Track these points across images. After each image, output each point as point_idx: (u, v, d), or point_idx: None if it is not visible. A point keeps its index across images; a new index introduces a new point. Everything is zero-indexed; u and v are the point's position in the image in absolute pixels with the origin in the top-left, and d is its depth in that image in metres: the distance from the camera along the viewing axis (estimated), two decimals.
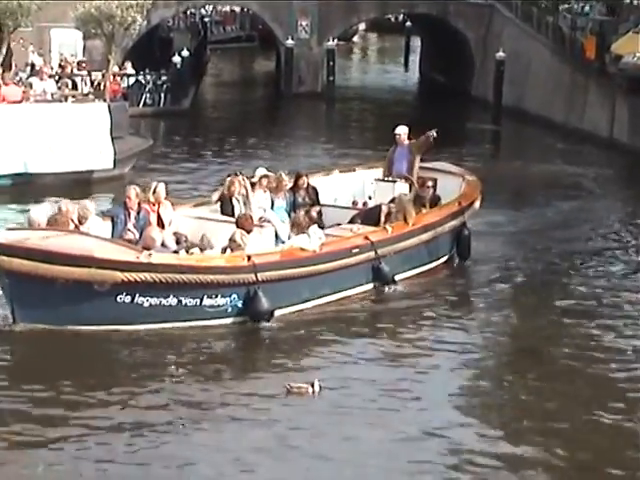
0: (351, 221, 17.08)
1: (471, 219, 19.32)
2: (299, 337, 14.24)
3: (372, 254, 15.91)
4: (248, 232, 14.78)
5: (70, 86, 28.49)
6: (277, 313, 14.43)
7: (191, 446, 10.59)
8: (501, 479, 10.10)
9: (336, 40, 43.75)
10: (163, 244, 15.08)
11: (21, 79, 27.17)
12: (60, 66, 31.81)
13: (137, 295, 13.57)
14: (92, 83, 29.66)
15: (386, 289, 16.21)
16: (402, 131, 18.39)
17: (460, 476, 10.34)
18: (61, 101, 25.66)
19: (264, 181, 17.04)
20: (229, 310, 14.32)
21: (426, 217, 17.35)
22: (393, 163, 18.46)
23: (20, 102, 24.05)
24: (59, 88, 27.33)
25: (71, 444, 10.43)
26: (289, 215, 16.83)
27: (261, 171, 17.26)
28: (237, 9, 51.94)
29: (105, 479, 9.84)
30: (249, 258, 14.22)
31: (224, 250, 14.65)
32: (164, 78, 36.42)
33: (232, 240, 14.55)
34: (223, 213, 16.35)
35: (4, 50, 28.35)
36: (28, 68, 30.38)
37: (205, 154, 30.00)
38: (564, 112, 35.31)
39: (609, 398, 12.20)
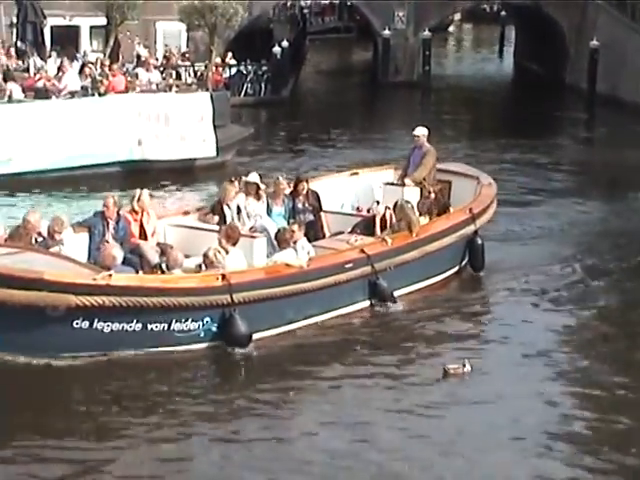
0: (353, 229, 16.28)
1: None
2: (279, 364, 13.00)
3: (368, 269, 14.68)
4: (234, 244, 13.93)
5: (174, 76, 29.50)
6: (257, 336, 13.28)
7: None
8: None
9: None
10: (127, 261, 13.97)
11: (127, 70, 27.69)
12: (165, 57, 32.60)
13: (96, 320, 12.39)
14: (195, 74, 30.50)
15: (384, 307, 14.92)
16: (421, 132, 17.66)
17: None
18: (165, 91, 26.27)
19: (257, 188, 16.22)
20: (202, 335, 13.15)
21: (432, 226, 16.30)
22: (410, 166, 17.71)
23: (126, 91, 24.77)
24: (164, 78, 27.99)
25: None
26: (288, 222, 15.97)
27: (253, 177, 16.43)
28: (336, 1, 52.80)
29: None
30: (224, 277, 13.10)
31: (199, 267, 13.74)
32: (264, 68, 37.39)
33: (205, 256, 13.59)
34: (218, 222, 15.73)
35: (112, 42, 29.34)
36: (135, 59, 30.99)
37: (304, 142, 30.58)
38: None
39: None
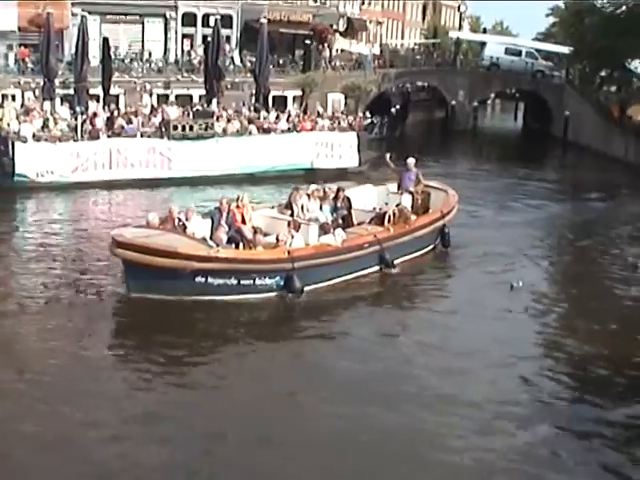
0: (370, 221, 19.93)
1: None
2: (323, 306, 16.96)
3: (378, 247, 18.78)
4: (297, 230, 17.60)
5: (337, 123, 36.32)
6: (309, 288, 17.11)
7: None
8: None
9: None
10: (230, 240, 17.68)
11: (313, 119, 35.91)
12: (332, 113, 39.93)
13: (209, 277, 15.96)
14: (348, 122, 36.84)
15: (387, 270, 19.20)
16: (411, 161, 22.16)
17: None
18: (332, 130, 34.91)
19: (315, 193, 19.98)
20: (274, 287, 16.85)
21: (418, 221, 20.40)
22: (403, 181, 21.84)
23: (311, 130, 34.24)
24: (332, 124, 35.81)
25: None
26: (332, 214, 19.77)
27: (313, 186, 20.46)
28: (425, 84, 61.77)
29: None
30: (289, 252, 16.81)
31: (274, 244, 17.33)
32: (385, 120, 47.58)
33: (277, 239, 17.38)
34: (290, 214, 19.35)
35: (304, 104, 39.99)
36: (316, 114, 37.71)
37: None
38: (601, 143, 48.60)
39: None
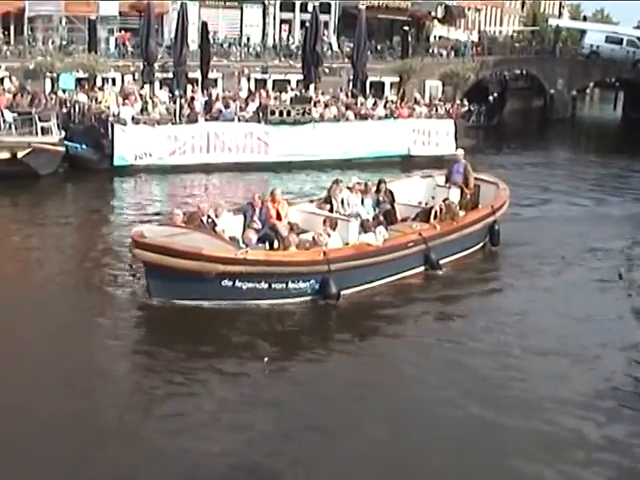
0: (416, 216, 18.96)
1: None
2: (362, 310, 15.59)
3: (423, 246, 17.45)
4: (334, 229, 16.30)
5: (434, 110, 37.11)
6: (346, 292, 15.76)
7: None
8: None
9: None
10: (264, 238, 16.52)
11: (410, 106, 36.57)
12: (430, 100, 40.60)
13: (237, 281, 14.72)
14: (446, 109, 37.81)
15: (433, 271, 17.78)
16: (460, 152, 21.43)
17: None
18: (429, 117, 35.52)
19: (357, 186, 19.03)
20: (308, 291, 15.54)
21: (467, 217, 19.18)
22: (452, 174, 20.71)
23: (409, 117, 34.81)
24: (429, 111, 36.43)
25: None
26: (374, 209, 18.78)
27: (354, 179, 19.71)
28: (524, 72, 61.20)
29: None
30: (324, 253, 15.46)
31: (311, 243, 16.12)
32: (483, 108, 48.03)
33: (313, 239, 16.12)
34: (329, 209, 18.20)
35: (401, 91, 40.01)
36: (413, 101, 38.65)
37: (502, 147, 41.46)
38: None
39: None
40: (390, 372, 13.12)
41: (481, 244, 19.87)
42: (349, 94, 36.37)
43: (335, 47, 47.90)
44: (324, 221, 16.41)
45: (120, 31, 44.05)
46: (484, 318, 15.64)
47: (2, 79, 35.68)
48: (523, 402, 12.16)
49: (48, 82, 35.87)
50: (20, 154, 26.47)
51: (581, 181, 32.18)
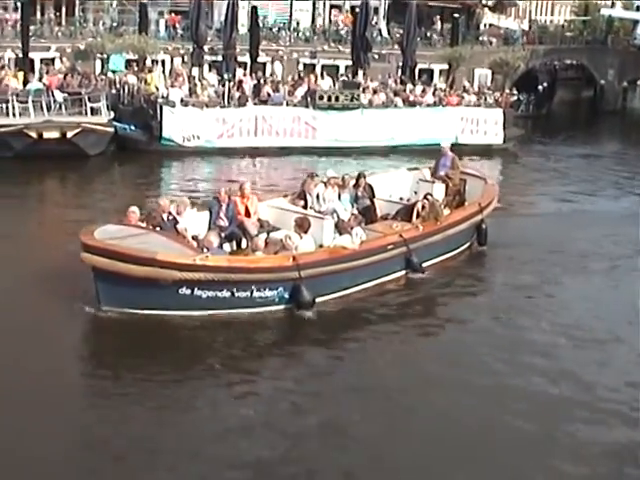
0: (397, 214, 17.81)
1: None
2: (337, 320, 14.28)
3: (404, 249, 16.21)
4: (305, 231, 14.98)
5: (483, 99, 36.24)
6: (320, 300, 14.42)
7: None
8: None
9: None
10: (231, 236, 15.53)
11: (459, 94, 35.83)
12: (479, 88, 39.74)
13: (195, 289, 13.45)
14: (495, 98, 36.66)
15: (415, 275, 16.43)
16: (445, 145, 20.30)
17: None
18: (478, 106, 35.04)
19: (333, 180, 17.76)
20: (276, 300, 14.26)
21: (452, 216, 17.99)
22: (438, 167, 19.76)
23: (457, 105, 34.36)
24: (478, 99, 35.92)
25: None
26: (352, 205, 17.78)
27: (330, 173, 18.54)
28: (574, 62, 59.39)
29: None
30: (294, 258, 14.18)
31: (282, 242, 14.79)
32: (532, 97, 47.65)
33: (281, 242, 14.82)
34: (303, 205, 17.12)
35: (450, 79, 39.41)
36: (462, 88, 37.78)
37: (552, 137, 41.13)
38: None
39: None
40: (366, 391, 11.91)
41: (467, 244, 18.91)
42: (398, 81, 36.42)
43: (385, 33, 47.61)
44: (295, 222, 15.24)
45: (170, 13, 44.38)
46: (471, 326, 14.56)
47: (53, 60, 36.25)
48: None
49: (98, 63, 36.35)
50: (70, 134, 26.95)
51: (625, 178, 31.15)
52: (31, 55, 33.99)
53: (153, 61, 36.26)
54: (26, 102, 27.40)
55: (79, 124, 27.30)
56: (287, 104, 31.41)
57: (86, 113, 28.09)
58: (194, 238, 14.79)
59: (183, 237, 14.50)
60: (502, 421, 11.16)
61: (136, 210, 14.52)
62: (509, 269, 17.84)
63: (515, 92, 42.43)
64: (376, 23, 46.41)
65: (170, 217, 14.80)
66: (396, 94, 33.84)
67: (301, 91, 32.61)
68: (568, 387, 12.33)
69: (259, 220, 16.16)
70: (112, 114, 29.04)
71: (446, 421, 11.03)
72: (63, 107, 28.05)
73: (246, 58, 35.66)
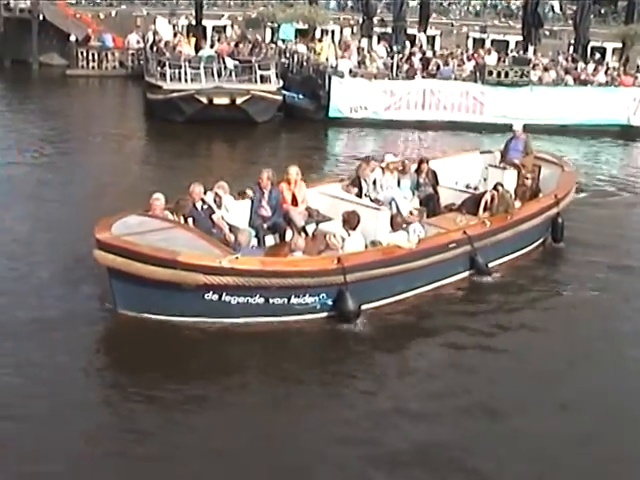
0: (462, 205, 16.18)
1: None
2: (387, 329, 12.45)
3: (469, 247, 14.43)
4: (354, 227, 13.26)
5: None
6: (368, 307, 12.70)
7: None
8: None
9: None
10: (274, 228, 13.90)
11: (633, 73, 33.94)
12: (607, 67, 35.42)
13: (224, 294, 12.00)
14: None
15: (480, 278, 14.56)
16: (518, 127, 18.43)
17: None
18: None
19: (391, 165, 16.40)
20: (317, 307, 12.68)
21: (525, 210, 16.11)
22: (508, 151, 18.09)
23: (632, 85, 32.25)
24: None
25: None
26: (413, 193, 16.35)
27: (389, 157, 17.12)
28: None
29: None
30: (339, 260, 12.48)
31: (326, 241, 13.05)
32: None
33: (326, 242, 12.99)
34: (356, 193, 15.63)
35: (625, 56, 37.56)
36: (636, 68, 35.65)
37: None
38: None
39: None
40: (408, 412, 10.21)
41: (541, 240, 16.99)
42: (569, 58, 35.52)
43: (557, 9, 46.90)
44: (342, 218, 13.55)
45: None
46: (548, 337, 12.55)
47: (225, 27, 37.35)
48: None
49: (268, 32, 37.31)
50: (239, 100, 27.48)
51: None
52: (204, 22, 35.19)
53: (323, 31, 36.69)
54: (198, 68, 28.19)
55: (248, 91, 27.82)
56: (455, 78, 31.31)
57: (256, 81, 28.63)
58: (232, 230, 13.29)
59: (220, 229, 13.13)
60: None
61: (161, 197, 12.92)
62: (589, 269, 15.60)
63: None
64: None
65: (205, 206, 13.26)
66: (567, 72, 32.86)
67: (470, 65, 32.43)
68: None
69: (307, 209, 14.63)
70: (281, 82, 29.53)
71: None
72: (233, 74, 28.65)
73: (415, 31, 35.71)
